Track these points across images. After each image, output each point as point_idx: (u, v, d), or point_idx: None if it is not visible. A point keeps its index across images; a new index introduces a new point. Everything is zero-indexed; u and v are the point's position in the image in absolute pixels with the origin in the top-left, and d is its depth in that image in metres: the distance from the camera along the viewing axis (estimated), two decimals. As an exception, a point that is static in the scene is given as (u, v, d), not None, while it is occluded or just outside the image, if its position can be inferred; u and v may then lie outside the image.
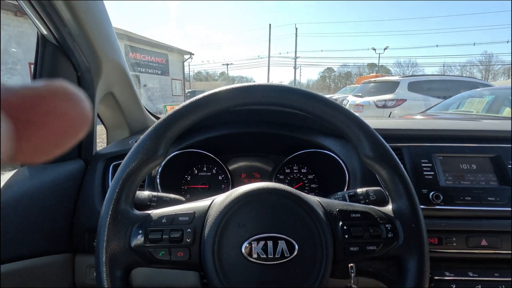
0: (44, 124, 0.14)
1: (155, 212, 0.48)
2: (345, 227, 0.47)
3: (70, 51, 0.70)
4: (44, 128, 0.14)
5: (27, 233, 0.65)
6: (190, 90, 22.51)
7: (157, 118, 1.24)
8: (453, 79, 6.23)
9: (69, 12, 0.59)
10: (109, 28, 0.76)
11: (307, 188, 0.94)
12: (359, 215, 0.49)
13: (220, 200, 0.48)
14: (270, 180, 0.94)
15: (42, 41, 0.69)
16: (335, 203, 0.51)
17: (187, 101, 0.49)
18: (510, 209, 0.74)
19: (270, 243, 0.44)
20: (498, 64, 40.43)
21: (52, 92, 0.14)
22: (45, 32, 0.67)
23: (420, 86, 5.65)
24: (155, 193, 0.58)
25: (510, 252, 0.73)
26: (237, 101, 0.49)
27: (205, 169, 0.95)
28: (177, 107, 0.49)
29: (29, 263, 0.64)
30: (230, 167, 0.99)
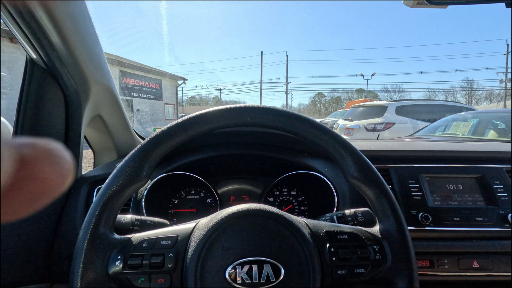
0: (20, 188, 0.13)
1: (136, 236, 0.47)
2: (332, 249, 0.46)
3: (58, 74, 0.70)
4: (19, 192, 0.13)
5: (3, 262, 0.61)
6: (182, 114, 22.64)
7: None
8: (438, 103, 6.47)
9: (58, 36, 0.60)
10: (99, 51, 0.77)
11: (297, 210, 0.93)
12: (346, 237, 0.48)
13: (204, 222, 0.47)
14: (259, 202, 0.92)
15: (30, 64, 0.69)
16: (321, 225, 0.50)
17: (173, 122, 0.49)
18: (498, 229, 0.74)
19: (255, 267, 0.42)
20: (480, 90, 42.38)
21: (36, 156, 0.14)
22: (34, 56, 0.67)
23: (407, 110, 5.84)
24: (138, 217, 0.56)
25: (502, 274, 0.72)
26: (224, 123, 0.50)
27: (193, 192, 0.93)
28: (163, 128, 0.49)
29: None
30: (219, 190, 0.97)
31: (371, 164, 0.50)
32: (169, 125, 0.49)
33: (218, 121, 0.49)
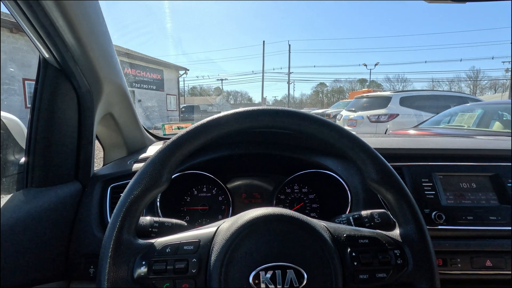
0: None
1: (159, 241, 0.47)
2: (353, 254, 0.46)
3: (71, 74, 0.70)
4: None
5: (21, 261, 0.62)
6: (184, 105, 22.65)
7: (155, 136, 1.23)
8: (443, 94, 6.40)
9: (73, 37, 0.59)
10: (111, 50, 0.76)
11: (308, 208, 0.93)
12: (367, 241, 0.48)
13: (225, 227, 0.47)
14: (271, 200, 0.93)
15: (43, 64, 0.69)
16: (341, 228, 0.50)
17: (192, 126, 0.49)
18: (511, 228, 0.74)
19: (278, 273, 0.42)
20: (485, 79, 41.82)
21: None
22: (47, 55, 0.66)
23: (411, 101, 5.78)
24: (156, 219, 0.56)
25: None
26: (242, 126, 0.49)
27: (204, 189, 0.94)
28: (181, 133, 0.49)
29: None
30: (230, 187, 0.98)
31: (391, 168, 0.50)
32: (187, 129, 0.49)
33: (237, 125, 0.49)
